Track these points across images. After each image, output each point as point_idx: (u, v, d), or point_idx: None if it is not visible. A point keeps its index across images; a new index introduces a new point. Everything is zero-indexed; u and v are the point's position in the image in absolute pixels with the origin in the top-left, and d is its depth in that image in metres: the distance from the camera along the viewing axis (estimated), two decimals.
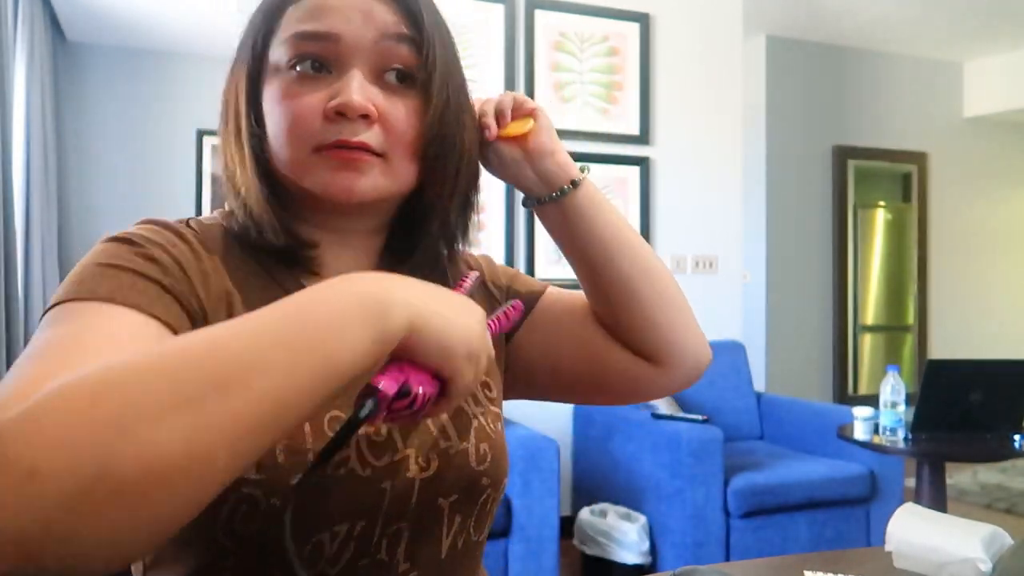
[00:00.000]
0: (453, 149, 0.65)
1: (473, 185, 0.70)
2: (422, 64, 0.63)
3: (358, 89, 0.59)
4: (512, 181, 0.74)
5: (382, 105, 0.61)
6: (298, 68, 0.61)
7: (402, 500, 0.61)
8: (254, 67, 0.63)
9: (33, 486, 0.33)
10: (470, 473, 0.65)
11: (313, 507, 0.56)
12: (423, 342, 0.46)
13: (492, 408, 0.71)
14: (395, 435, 0.62)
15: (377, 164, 0.61)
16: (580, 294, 0.78)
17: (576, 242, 0.73)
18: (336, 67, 0.61)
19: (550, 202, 0.72)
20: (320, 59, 0.61)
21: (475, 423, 0.67)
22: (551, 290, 0.80)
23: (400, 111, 0.62)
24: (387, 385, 0.46)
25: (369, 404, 0.45)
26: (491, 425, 0.69)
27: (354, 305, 0.44)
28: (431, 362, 0.47)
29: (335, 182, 0.60)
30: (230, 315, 0.59)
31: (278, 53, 0.62)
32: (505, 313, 0.60)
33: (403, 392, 0.47)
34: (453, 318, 0.48)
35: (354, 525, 0.58)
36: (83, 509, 0.33)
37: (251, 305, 0.61)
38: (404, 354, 0.47)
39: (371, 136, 0.60)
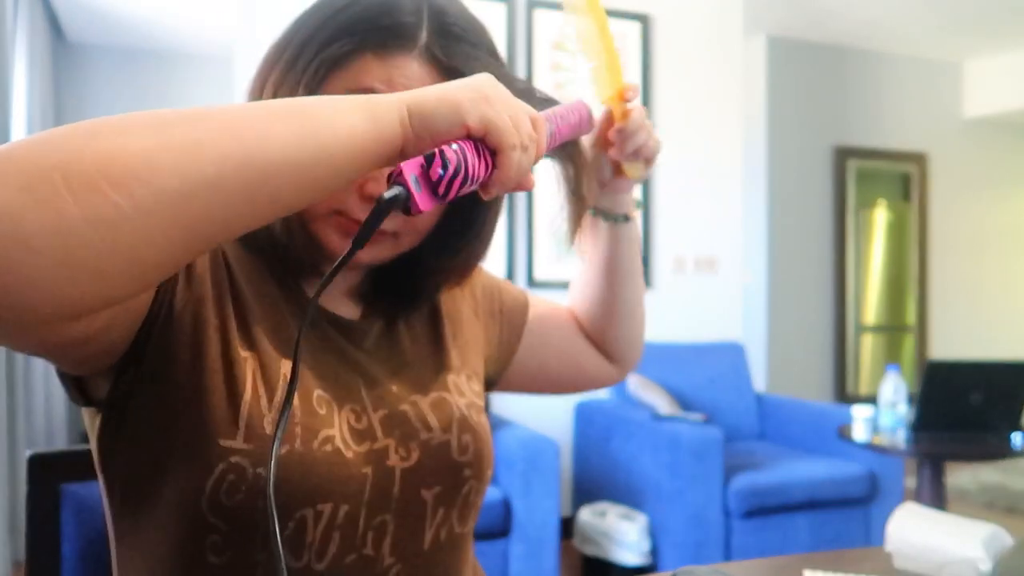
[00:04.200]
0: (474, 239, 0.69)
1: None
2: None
3: None
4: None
5: None
6: None
7: (385, 489, 0.62)
8: (312, 87, 0.60)
9: None
10: (452, 464, 0.66)
11: (296, 480, 0.57)
12: (426, 111, 0.47)
13: (476, 401, 0.72)
14: (375, 424, 0.63)
15: (386, 240, 0.63)
16: (557, 306, 0.87)
17: (609, 263, 0.80)
18: None
19: (605, 220, 0.78)
20: None
21: (457, 415, 0.68)
22: (531, 301, 0.86)
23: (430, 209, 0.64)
24: (408, 164, 0.46)
25: (395, 189, 0.46)
26: (474, 417, 0.70)
27: (346, 99, 0.47)
28: (446, 124, 0.47)
29: (341, 245, 0.61)
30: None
31: (342, 93, 0.59)
32: (576, 119, 0.62)
33: (430, 160, 0.46)
34: (446, 84, 0.50)
35: (337, 508, 0.58)
36: (37, 191, 0.35)
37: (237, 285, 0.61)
38: (420, 141, 0.48)
39: (391, 223, 0.61)
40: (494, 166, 0.49)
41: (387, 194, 0.45)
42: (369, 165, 0.46)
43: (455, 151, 0.47)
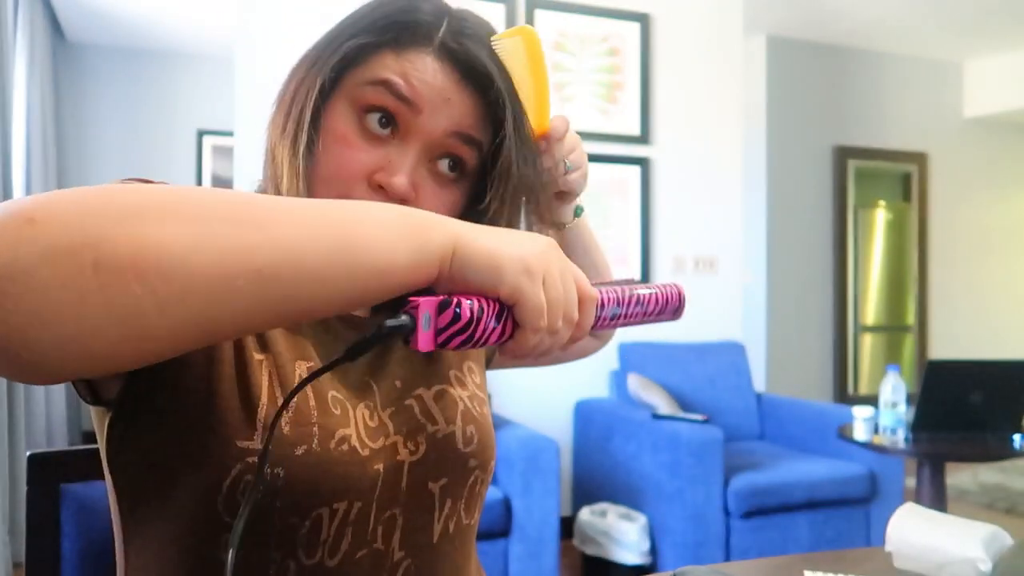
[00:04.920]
0: None
1: None
2: (482, 169, 0.65)
3: (406, 174, 0.60)
4: None
5: (423, 190, 0.62)
6: (367, 116, 0.61)
7: (394, 483, 0.62)
8: (330, 80, 0.62)
9: (28, 229, 0.35)
10: (458, 456, 0.67)
11: (313, 480, 0.57)
12: (468, 260, 0.46)
13: (478, 393, 0.73)
14: (386, 421, 0.64)
15: None
16: None
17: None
18: (400, 132, 0.62)
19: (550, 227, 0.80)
20: (392, 116, 0.61)
21: (461, 406, 0.69)
22: None
23: (438, 202, 0.63)
24: (425, 300, 0.45)
25: (403, 319, 0.44)
26: (477, 408, 0.71)
27: (395, 216, 0.45)
28: (480, 280, 0.46)
29: None
30: None
31: (358, 85, 0.61)
32: (661, 296, 0.59)
33: (445, 306, 0.45)
34: (503, 237, 0.48)
35: (351, 505, 0.59)
36: (63, 266, 0.35)
37: None
38: (453, 283, 0.46)
39: None
40: (512, 336, 0.48)
41: (391, 322, 0.44)
42: (398, 292, 0.45)
43: (470, 308, 0.45)
